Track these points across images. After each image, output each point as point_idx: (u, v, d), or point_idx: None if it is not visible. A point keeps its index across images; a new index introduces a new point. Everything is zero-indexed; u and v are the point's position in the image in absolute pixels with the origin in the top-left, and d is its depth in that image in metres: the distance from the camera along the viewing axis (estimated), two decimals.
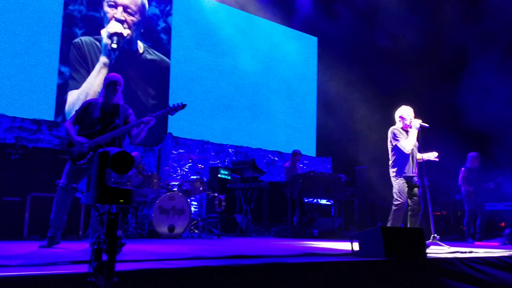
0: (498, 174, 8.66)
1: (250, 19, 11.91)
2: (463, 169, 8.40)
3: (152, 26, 10.13)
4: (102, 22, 9.32)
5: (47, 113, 8.48)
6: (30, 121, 8.24)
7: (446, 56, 10.00)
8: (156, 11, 10.23)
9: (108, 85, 4.40)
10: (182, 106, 4.67)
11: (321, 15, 12.25)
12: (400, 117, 5.65)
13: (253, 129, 11.68)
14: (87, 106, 4.43)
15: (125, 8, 9.61)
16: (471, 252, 4.48)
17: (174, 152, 9.80)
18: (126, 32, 9.57)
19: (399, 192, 5.42)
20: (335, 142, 11.60)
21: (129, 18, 9.65)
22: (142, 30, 9.88)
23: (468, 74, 9.37)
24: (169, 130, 9.95)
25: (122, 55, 9.52)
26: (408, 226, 5.48)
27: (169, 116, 9.92)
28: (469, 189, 8.28)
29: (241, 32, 11.64)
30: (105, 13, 9.34)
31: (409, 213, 5.49)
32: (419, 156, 5.67)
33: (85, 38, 9.08)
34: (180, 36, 10.58)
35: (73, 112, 4.53)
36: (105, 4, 9.36)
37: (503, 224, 8.38)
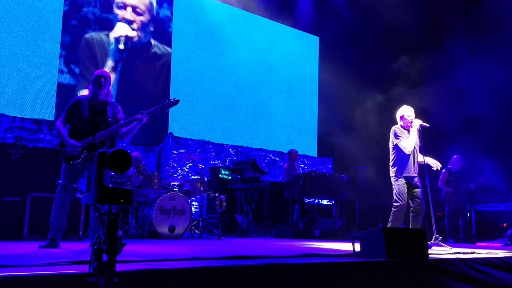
0: (480, 175, 8.78)
1: (251, 18, 11.90)
2: (444, 170, 8.56)
3: (164, 28, 10.21)
4: (114, 23, 9.44)
5: (47, 113, 8.47)
6: (30, 121, 8.23)
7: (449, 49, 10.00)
8: (168, 13, 10.30)
9: (94, 80, 4.39)
10: (175, 102, 4.62)
11: (322, 15, 12.25)
12: (401, 117, 5.65)
13: (254, 129, 11.66)
14: (77, 103, 4.38)
15: (134, 9, 9.74)
16: (473, 253, 4.47)
17: (175, 152, 9.79)
18: (134, 33, 9.69)
19: (398, 194, 5.40)
20: (337, 142, 11.59)
21: (138, 18, 9.77)
22: (152, 29, 9.98)
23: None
24: (169, 130, 9.94)
25: (132, 56, 9.64)
26: (410, 227, 5.46)
27: (170, 116, 10.09)
28: (448, 190, 8.51)
29: (242, 32, 11.62)
30: (115, 15, 9.44)
31: (411, 214, 5.47)
32: (421, 158, 5.65)
33: (95, 35, 9.15)
34: (181, 35, 10.58)
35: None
36: (114, 6, 9.49)
37: (505, 225, 8.38)
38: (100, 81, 4.35)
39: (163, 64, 10.14)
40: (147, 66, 9.86)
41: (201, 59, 10.85)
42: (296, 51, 12.80)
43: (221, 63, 11.23)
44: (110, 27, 9.39)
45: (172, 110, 10.00)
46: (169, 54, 10.23)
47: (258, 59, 11.89)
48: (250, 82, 11.73)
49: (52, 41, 8.68)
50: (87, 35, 9.06)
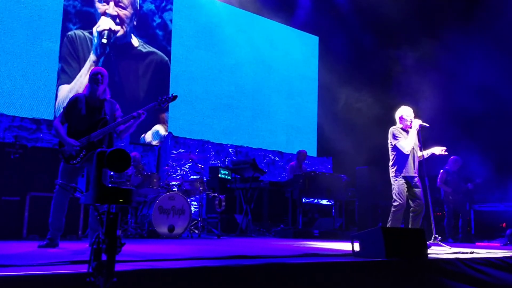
0: (477, 176, 8.80)
1: (251, 18, 11.89)
2: (442, 171, 8.62)
3: (148, 22, 10.08)
4: (95, 17, 9.26)
5: (47, 112, 8.46)
6: (29, 120, 8.23)
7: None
8: (152, 6, 10.19)
9: (91, 77, 4.38)
10: (173, 97, 4.63)
11: (322, 14, 12.24)
12: (400, 117, 5.64)
13: (253, 129, 11.66)
14: (75, 102, 4.37)
15: (116, 3, 9.52)
16: (472, 252, 4.47)
17: (174, 151, 9.79)
18: (118, 27, 9.47)
19: (398, 193, 5.39)
20: (336, 142, 11.59)
21: (122, 12, 9.57)
22: (135, 23, 9.79)
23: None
24: (169, 130, 9.94)
25: (115, 50, 9.44)
26: (410, 227, 5.46)
27: (169, 115, 10.08)
28: (447, 190, 8.54)
29: (241, 31, 11.61)
30: (96, 9, 9.27)
31: (411, 214, 5.47)
32: (420, 153, 5.65)
33: (78, 32, 8.99)
34: (180, 35, 10.56)
35: (61, 109, 4.47)
36: (96, 0, 9.29)
37: (504, 224, 8.38)
38: (97, 77, 4.35)
39: (149, 63, 9.91)
40: (131, 64, 9.63)
41: (200, 59, 10.84)
42: (296, 51, 12.79)
43: (220, 63, 11.22)
44: (91, 21, 9.17)
45: (171, 110, 10.03)
46: (154, 53, 10.01)
47: (257, 59, 11.89)
48: (249, 81, 11.73)
49: (51, 40, 8.67)
50: (70, 33, 8.87)
